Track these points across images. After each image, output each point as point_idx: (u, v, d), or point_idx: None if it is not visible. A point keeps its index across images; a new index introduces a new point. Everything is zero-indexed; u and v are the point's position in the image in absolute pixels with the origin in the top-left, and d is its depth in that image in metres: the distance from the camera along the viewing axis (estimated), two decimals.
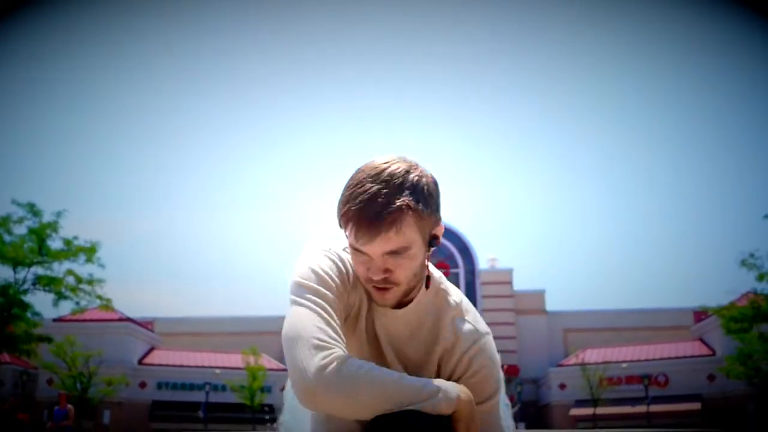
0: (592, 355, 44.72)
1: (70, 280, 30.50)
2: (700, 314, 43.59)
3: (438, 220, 1.85)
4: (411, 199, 1.76)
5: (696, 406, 41.88)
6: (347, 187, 1.81)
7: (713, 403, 41.78)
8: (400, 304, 1.93)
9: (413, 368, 1.95)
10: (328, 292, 1.83)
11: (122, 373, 39.59)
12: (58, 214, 30.43)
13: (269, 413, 39.96)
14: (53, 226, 30.30)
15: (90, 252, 30.56)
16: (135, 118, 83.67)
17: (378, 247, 1.77)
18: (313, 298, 1.80)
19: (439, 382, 1.78)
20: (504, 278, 54.07)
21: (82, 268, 31.05)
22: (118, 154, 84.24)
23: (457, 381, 1.87)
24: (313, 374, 1.67)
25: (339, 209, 1.82)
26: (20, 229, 30.19)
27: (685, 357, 44.17)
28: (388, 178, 1.77)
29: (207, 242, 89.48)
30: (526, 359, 51.33)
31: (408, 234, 1.77)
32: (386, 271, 1.81)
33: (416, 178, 1.79)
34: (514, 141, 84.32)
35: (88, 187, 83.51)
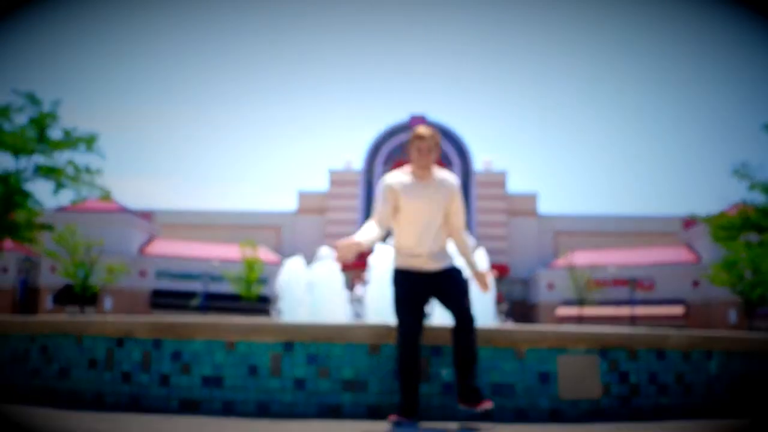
0: (580, 258, 45.61)
1: (71, 170, 30.91)
2: (690, 222, 44.25)
3: (439, 151, 5.17)
4: (437, 135, 5.17)
5: (679, 310, 43.08)
6: (413, 133, 5.19)
7: (696, 309, 42.99)
8: (425, 177, 5.21)
9: (433, 206, 5.20)
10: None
11: (122, 262, 40.41)
12: (56, 103, 30.59)
13: (265, 303, 41.02)
14: (53, 116, 30.47)
15: (89, 142, 30.83)
16: (139, 6, 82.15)
17: (425, 143, 5.13)
18: None
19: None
20: (498, 180, 54.45)
21: (83, 158, 31.41)
22: (119, 45, 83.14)
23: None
24: None
25: (411, 135, 5.17)
26: (21, 119, 30.40)
27: (671, 263, 45.17)
28: (430, 129, 5.23)
29: (208, 138, 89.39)
30: (516, 260, 52.29)
31: (432, 144, 5.12)
32: (428, 153, 5.17)
33: (437, 135, 5.26)
34: (513, 48, 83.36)
35: (88, 79, 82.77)
